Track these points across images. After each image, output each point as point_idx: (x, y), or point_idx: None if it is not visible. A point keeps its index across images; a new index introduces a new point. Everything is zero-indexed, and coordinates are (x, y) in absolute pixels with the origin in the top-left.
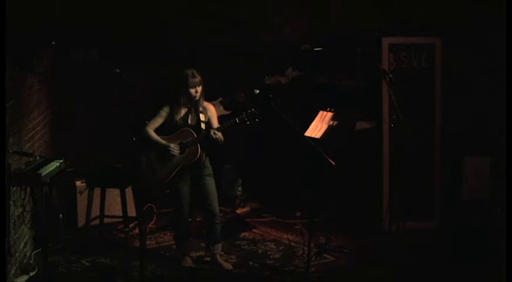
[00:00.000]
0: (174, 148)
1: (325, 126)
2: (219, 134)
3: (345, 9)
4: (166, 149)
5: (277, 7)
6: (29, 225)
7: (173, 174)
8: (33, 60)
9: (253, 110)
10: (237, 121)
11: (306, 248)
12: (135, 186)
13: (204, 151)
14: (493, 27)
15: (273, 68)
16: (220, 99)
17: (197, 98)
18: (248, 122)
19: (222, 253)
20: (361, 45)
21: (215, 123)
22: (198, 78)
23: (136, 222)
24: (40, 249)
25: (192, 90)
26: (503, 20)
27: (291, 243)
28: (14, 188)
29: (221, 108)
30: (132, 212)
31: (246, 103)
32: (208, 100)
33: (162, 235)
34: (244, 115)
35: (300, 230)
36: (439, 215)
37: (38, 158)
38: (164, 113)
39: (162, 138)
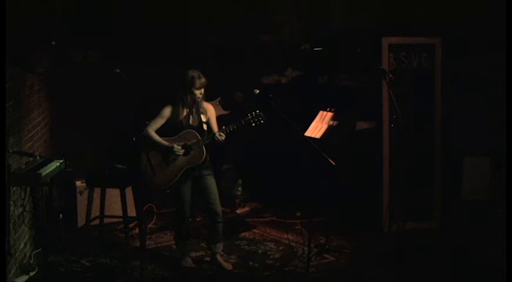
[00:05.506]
0: (178, 149)
1: (325, 126)
2: (224, 136)
3: (345, 9)
4: (170, 150)
5: (277, 7)
6: (29, 225)
7: (178, 176)
8: (33, 60)
9: (258, 111)
10: (243, 123)
11: (306, 248)
12: (135, 186)
13: (208, 153)
14: (492, 27)
15: (272, 68)
16: (219, 99)
17: (200, 99)
18: (253, 124)
19: (222, 253)
20: (361, 45)
21: (214, 124)
22: (204, 80)
23: (136, 222)
24: (40, 249)
25: (197, 92)
26: (503, 20)
27: (291, 243)
28: (14, 188)
29: (220, 108)
30: (132, 212)
31: (244, 103)
32: (207, 100)
33: (162, 235)
34: (250, 117)
35: (300, 230)
36: (439, 215)
37: (38, 158)
38: (166, 113)
39: (164, 140)
